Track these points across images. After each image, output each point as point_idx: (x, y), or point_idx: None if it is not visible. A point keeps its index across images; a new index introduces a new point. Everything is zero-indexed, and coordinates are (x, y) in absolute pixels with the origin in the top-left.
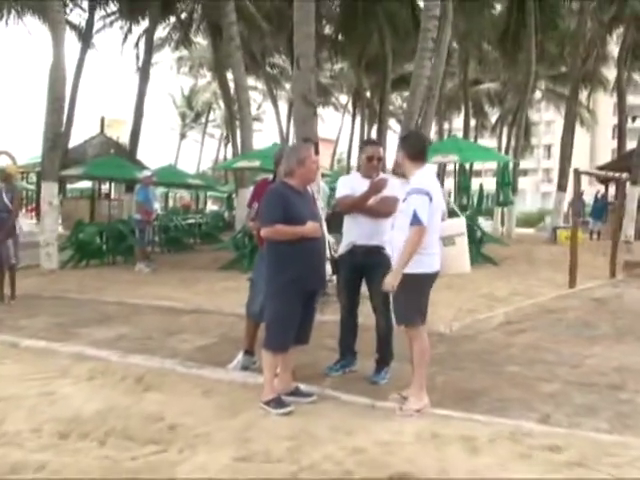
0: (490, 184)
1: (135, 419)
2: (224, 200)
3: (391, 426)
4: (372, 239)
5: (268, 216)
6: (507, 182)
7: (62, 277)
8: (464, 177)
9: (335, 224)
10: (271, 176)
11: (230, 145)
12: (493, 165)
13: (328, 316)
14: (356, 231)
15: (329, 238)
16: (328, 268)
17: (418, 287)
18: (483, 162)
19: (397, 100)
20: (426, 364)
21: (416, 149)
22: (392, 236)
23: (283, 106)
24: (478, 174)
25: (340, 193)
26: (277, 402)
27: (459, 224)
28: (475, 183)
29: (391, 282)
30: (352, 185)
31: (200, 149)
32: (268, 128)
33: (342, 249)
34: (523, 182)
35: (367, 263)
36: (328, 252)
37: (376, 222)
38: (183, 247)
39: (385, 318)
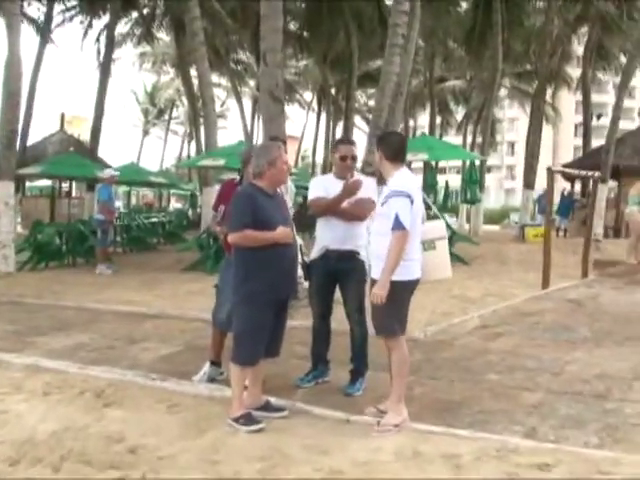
0: (454, 181)
1: (94, 440)
2: (188, 198)
3: (369, 443)
4: (346, 243)
5: (236, 221)
6: (475, 180)
7: (19, 280)
8: (431, 174)
9: (302, 224)
10: (237, 176)
11: (194, 142)
12: (458, 162)
13: (298, 321)
14: (329, 235)
15: (300, 242)
16: (300, 273)
17: (398, 296)
18: (451, 160)
19: (362, 97)
20: (406, 376)
21: (395, 149)
22: (370, 241)
23: (247, 103)
24: (442, 171)
25: (313, 195)
26: (247, 418)
27: (440, 227)
28: (440, 180)
29: (380, 294)
30: (325, 186)
31: (163, 146)
32: (232, 125)
33: (314, 254)
34: (487, 179)
35: (341, 268)
36: (299, 257)
37: (350, 225)
38: (146, 247)
39: (360, 326)
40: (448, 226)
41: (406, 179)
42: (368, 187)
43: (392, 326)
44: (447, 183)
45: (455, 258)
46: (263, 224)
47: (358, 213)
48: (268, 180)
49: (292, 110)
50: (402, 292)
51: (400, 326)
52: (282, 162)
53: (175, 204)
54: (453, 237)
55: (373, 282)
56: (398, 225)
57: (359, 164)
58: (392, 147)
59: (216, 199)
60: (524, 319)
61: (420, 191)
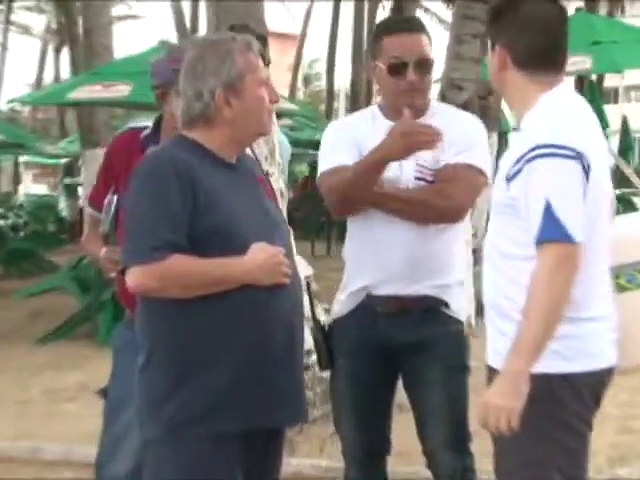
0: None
1: None
2: (60, 172)
3: None
4: (414, 279)
5: (144, 236)
6: None
7: None
8: (592, 103)
9: (313, 223)
10: (147, 122)
11: (67, 51)
12: None
13: (310, 459)
14: (372, 259)
15: (304, 270)
16: (309, 341)
17: (560, 413)
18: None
19: None
20: None
21: (539, 36)
22: (487, 275)
23: None
24: (612, 96)
25: (329, 161)
26: None
27: None
28: (611, 115)
29: (507, 408)
30: (358, 140)
31: (1, 60)
32: (152, 13)
33: (342, 305)
34: None
35: (404, 341)
36: (306, 311)
37: (424, 234)
38: None
39: None
40: None
41: (572, 115)
42: (462, 138)
43: None
44: (626, 121)
45: None
46: (213, 238)
47: (440, 204)
48: (228, 128)
49: None
50: (571, 404)
51: None
52: (257, 80)
53: (32, 187)
54: None
55: (491, 375)
56: (554, 231)
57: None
58: (532, 33)
59: (98, 178)
60: None
61: (605, 146)
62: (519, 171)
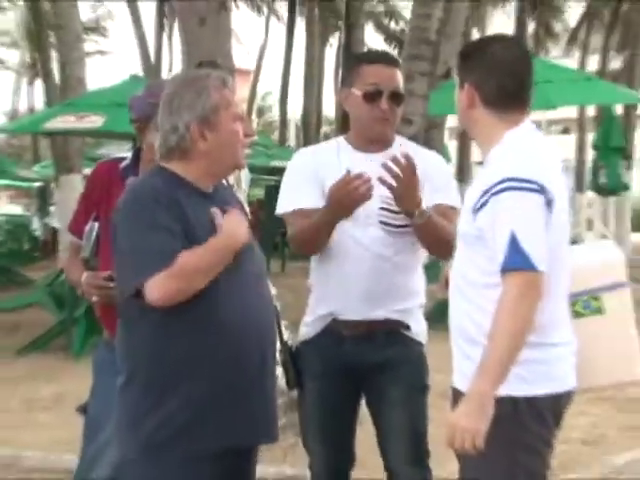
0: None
1: None
2: (34, 195)
3: None
4: (377, 305)
5: (147, 249)
6: (616, 146)
7: None
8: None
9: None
10: (126, 154)
11: (40, 82)
12: (568, 112)
13: (274, 467)
14: (338, 289)
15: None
16: (278, 370)
17: (523, 435)
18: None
19: None
20: None
21: (507, 79)
22: (453, 301)
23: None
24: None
25: (291, 200)
26: None
27: (611, 260)
28: None
29: (473, 429)
30: (320, 173)
31: None
32: (121, 49)
33: (308, 328)
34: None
35: (368, 363)
36: (277, 332)
37: (387, 265)
38: None
39: None
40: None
41: (535, 151)
42: (439, 177)
43: None
44: None
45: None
46: None
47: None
48: (204, 161)
49: (240, 18)
50: (536, 425)
51: None
52: (232, 114)
53: (8, 207)
54: None
55: (456, 397)
56: (518, 260)
57: None
58: (500, 74)
59: (78, 205)
60: None
61: (564, 179)
62: (485, 203)
